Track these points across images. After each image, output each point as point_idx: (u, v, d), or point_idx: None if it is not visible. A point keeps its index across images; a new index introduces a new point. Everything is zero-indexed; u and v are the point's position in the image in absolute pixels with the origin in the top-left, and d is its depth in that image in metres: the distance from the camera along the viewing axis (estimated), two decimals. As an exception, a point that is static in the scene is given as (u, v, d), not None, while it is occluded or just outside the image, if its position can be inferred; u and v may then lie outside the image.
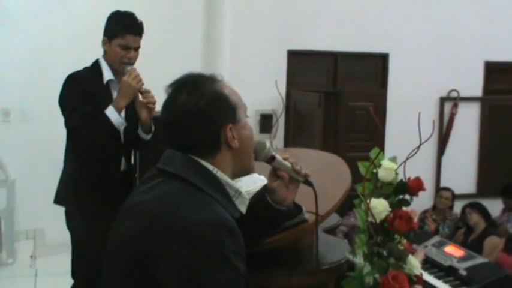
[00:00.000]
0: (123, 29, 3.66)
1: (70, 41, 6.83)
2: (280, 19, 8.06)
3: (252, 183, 2.92)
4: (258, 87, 7.64)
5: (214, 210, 1.69)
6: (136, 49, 3.76)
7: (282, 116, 7.87)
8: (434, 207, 7.98)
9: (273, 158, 2.09)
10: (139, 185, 1.90)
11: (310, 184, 2.18)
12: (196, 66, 1.76)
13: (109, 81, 3.75)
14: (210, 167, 1.79)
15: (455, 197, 8.05)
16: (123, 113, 3.69)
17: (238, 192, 1.84)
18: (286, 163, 2.15)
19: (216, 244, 1.61)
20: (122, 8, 3.77)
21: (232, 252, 1.62)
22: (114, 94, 3.72)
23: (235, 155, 1.84)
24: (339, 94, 8.47)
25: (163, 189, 1.75)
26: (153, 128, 3.81)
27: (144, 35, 3.80)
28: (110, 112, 3.57)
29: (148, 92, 3.69)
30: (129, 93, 3.63)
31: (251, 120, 7.87)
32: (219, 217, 1.67)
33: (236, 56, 7.14)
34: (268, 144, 2.07)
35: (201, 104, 1.77)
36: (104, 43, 3.74)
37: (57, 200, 3.83)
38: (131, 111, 3.76)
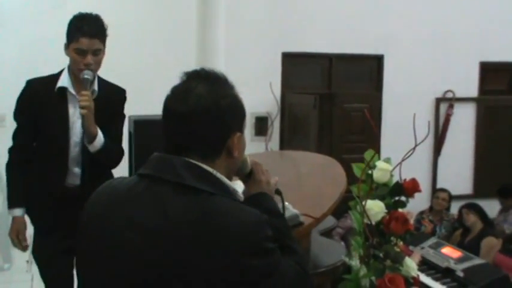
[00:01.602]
0: (77, 32, 3.33)
1: (63, 46, 6.81)
2: (275, 21, 8.05)
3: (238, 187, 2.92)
4: (252, 90, 7.60)
5: (246, 210, 1.64)
6: (96, 53, 3.37)
7: (277, 118, 7.86)
8: (430, 208, 7.97)
9: (251, 172, 1.99)
10: (121, 196, 1.69)
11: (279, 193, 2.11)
12: (190, 69, 1.73)
13: (62, 88, 3.45)
14: (209, 169, 1.67)
15: (451, 198, 8.04)
16: (80, 129, 3.43)
17: (235, 192, 1.78)
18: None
19: (265, 239, 1.60)
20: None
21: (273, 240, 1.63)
22: (70, 104, 3.47)
23: (229, 164, 1.76)
24: (334, 96, 8.46)
25: (178, 202, 1.58)
26: (100, 138, 3.42)
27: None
28: (12, 210, 3.56)
29: (81, 94, 3.31)
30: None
31: (247, 123, 7.86)
32: (254, 214, 1.63)
33: (230, 58, 7.12)
34: (247, 157, 1.98)
35: (222, 103, 1.68)
36: (64, 48, 3.45)
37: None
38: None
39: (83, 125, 3.33)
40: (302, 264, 1.76)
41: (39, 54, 6.88)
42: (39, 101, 3.45)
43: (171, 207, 1.57)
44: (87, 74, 3.34)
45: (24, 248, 3.59)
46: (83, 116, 3.29)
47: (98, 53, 3.38)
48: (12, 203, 3.55)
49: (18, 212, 3.54)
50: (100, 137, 3.39)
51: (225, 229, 1.53)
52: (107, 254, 1.63)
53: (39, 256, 3.66)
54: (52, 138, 3.49)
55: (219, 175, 1.69)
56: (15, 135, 3.57)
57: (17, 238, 3.55)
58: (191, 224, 1.53)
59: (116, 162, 3.63)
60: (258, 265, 1.56)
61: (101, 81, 3.56)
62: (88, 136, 3.37)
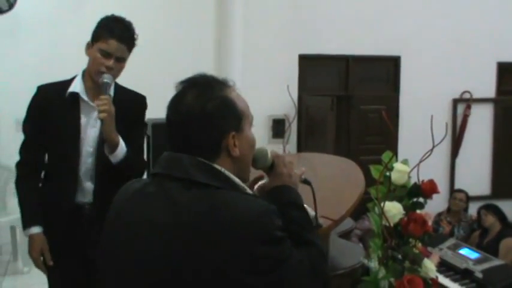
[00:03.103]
0: (107, 32, 3.09)
1: (82, 50, 6.84)
2: (291, 24, 8.05)
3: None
4: (269, 93, 7.65)
5: (254, 200, 1.69)
6: (120, 60, 3.13)
7: (295, 120, 7.87)
8: (448, 210, 7.94)
9: (272, 166, 2.00)
10: (135, 197, 1.77)
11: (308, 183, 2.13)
12: (207, 72, 1.74)
13: (73, 94, 3.18)
14: (217, 167, 1.73)
15: (469, 198, 8.01)
16: (94, 137, 3.20)
17: (245, 189, 1.80)
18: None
19: (273, 228, 1.62)
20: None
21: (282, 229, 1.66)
22: (83, 111, 3.19)
23: (234, 163, 1.79)
24: (351, 98, 8.45)
25: (186, 196, 1.65)
26: (122, 147, 3.14)
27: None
28: (28, 230, 3.23)
29: (100, 98, 3.04)
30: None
31: (264, 126, 7.90)
32: (262, 204, 1.66)
33: (247, 61, 7.15)
34: (268, 151, 2.00)
35: (207, 107, 1.73)
36: (87, 47, 3.19)
37: None
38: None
39: (103, 132, 3.05)
40: (318, 259, 1.77)
41: (57, 59, 6.93)
42: (48, 108, 3.18)
43: (180, 202, 1.64)
44: (106, 78, 3.08)
45: (46, 271, 3.29)
46: (102, 121, 3.00)
47: (122, 60, 3.15)
48: (27, 222, 3.22)
49: (35, 229, 3.20)
50: (122, 146, 3.11)
51: (233, 219, 1.58)
52: (124, 251, 1.71)
53: (53, 282, 3.40)
54: (61, 149, 3.19)
55: (227, 173, 1.74)
56: (22, 149, 3.29)
57: (39, 257, 3.23)
58: (199, 216, 1.60)
59: (140, 174, 3.32)
60: (267, 253, 1.58)
61: (119, 88, 3.28)
62: (109, 145, 3.07)
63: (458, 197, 7.87)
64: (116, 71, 3.13)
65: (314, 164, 4.10)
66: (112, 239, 1.78)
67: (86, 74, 3.22)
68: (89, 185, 3.21)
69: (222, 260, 1.54)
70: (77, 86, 3.19)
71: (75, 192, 3.19)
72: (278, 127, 7.90)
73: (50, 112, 3.18)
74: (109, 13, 3.23)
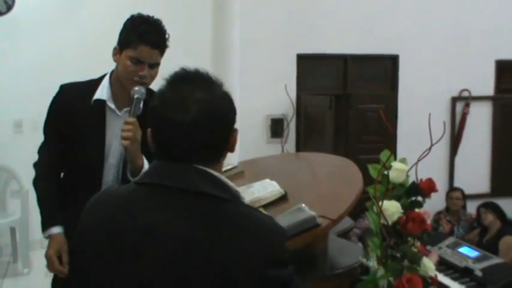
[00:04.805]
0: (137, 37, 2.82)
1: (82, 51, 6.87)
2: (289, 23, 8.05)
3: (263, 189, 2.93)
4: (268, 92, 7.65)
5: (266, 217, 1.64)
6: (154, 67, 2.89)
7: (293, 120, 7.85)
8: (447, 209, 7.94)
9: None
10: (123, 206, 1.61)
11: None
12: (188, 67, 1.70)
13: (100, 101, 2.97)
14: (216, 174, 1.61)
15: (466, 196, 8.00)
16: (118, 150, 3.00)
17: (238, 194, 1.68)
18: None
19: (285, 249, 1.58)
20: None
21: None
22: (109, 120, 2.99)
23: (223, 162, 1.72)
24: (350, 97, 8.44)
25: (198, 209, 1.54)
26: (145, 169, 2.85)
27: None
28: (50, 230, 2.99)
29: (126, 122, 2.79)
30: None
31: (262, 125, 7.91)
32: (274, 223, 1.62)
33: (245, 61, 7.13)
34: None
35: (222, 104, 1.62)
36: (114, 53, 2.93)
37: None
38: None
39: (127, 156, 2.85)
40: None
41: (55, 61, 6.94)
42: (72, 112, 2.95)
43: (191, 215, 1.53)
44: (138, 93, 2.82)
45: (63, 272, 2.97)
46: (125, 148, 2.80)
47: (156, 66, 2.91)
48: (47, 222, 3.01)
49: (55, 229, 2.98)
50: (145, 168, 2.83)
51: (248, 237, 1.51)
52: (125, 263, 1.54)
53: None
54: (84, 159, 2.97)
55: (223, 178, 1.63)
56: (41, 150, 3.12)
57: (56, 257, 2.96)
58: (212, 232, 1.50)
59: None
60: (279, 275, 1.52)
61: (150, 92, 2.85)
62: (133, 168, 2.87)
63: (454, 196, 7.86)
64: (149, 79, 2.88)
65: (313, 164, 4.10)
66: (99, 249, 1.60)
67: (113, 79, 2.99)
68: None
69: (233, 276, 1.46)
70: (103, 92, 2.96)
71: None
72: (276, 127, 7.89)
73: (74, 117, 2.95)
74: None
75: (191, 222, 1.51)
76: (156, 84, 3.00)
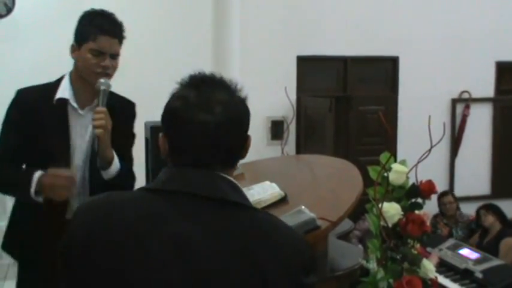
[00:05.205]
0: (96, 29, 2.79)
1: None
2: (289, 25, 8.06)
3: (263, 191, 2.93)
4: (268, 94, 7.64)
5: (291, 228, 1.63)
6: (114, 57, 2.85)
7: (293, 122, 7.85)
8: (443, 213, 7.84)
9: None
10: (150, 215, 1.48)
11: None
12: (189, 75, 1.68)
13: (61, 100, 2.87)
14: (233, 180, 1.56)
15: (456, 197, 7.94)
16: (84, 150, 2.91)
17: (248, 199, 1.63)
18: None
19: (312, 257, 1.58)
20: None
21: None
22: (72, 120, 2.88)
23: None
24: (350, 99, 8.45)
25: (227, 218, 1.48)
26: (116, 163, 2.87)
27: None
28: (34, 180, 2.70)
29: (97, 111, 2.75)
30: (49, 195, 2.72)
31: (263, 127, 7.91)
32: (298, 233, 1.63)
33: (245, 63, 7.14)
34: None
35: (241, 107, 1.59)
36: (72, 50, 2.90)
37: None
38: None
39: (98, 149, 2.77)
40: None
41: (55, 63, 6.88)
42: (33, 115, 2.83)
43: (223, 225, 1.46)
44: (104, 85, 2.78)
45: (75, 176, 2.76)
46: (97, 138, 2.73)
47: (117, 57, 2.87)
48: (26, 180, 2.73)
49: (37, 174, 2.73)
50: (116, 162, 2.85)
51: (282, 246, 1.48)
52: (149, 272, 1.42)
53: None
54: (49, 162, 2.75)
55: (238, 184, 1.57)
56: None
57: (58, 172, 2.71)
58: (249, 242, 1.45)
59: (130, 189, 2.82)
60: (308, 283, 1.50)
61: (110, 95, 2.89)
62: (103, 161, 2.81)
63: (446, 201, 7.71)
64: (112, 70, 2.84)
65: (312, 166, 4.10)
66: (116, 254, 1.44)
67: (74, 78, 2.92)
68: (76, 203, 2.83)
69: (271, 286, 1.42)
70: (65, 91, 2.88)
71: (66, 208, 2.86)
72: (277, 129, 7.89)
73: (35, 120, 2.83)
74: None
75: (224, 232, 1.45)
76: (121, 77, 3.00)
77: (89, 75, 2.82)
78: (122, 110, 2.97)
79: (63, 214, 2.83)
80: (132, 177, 3.09)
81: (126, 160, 3.01)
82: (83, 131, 2.86)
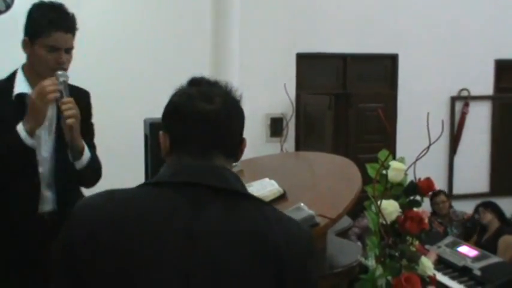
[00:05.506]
0: (49, 24, 2.70)
1: (80, 50, 6.85)
2: (289, 22, 8.05)
3: (262, 188, 2.93)
4: (267, 91, 7.65)
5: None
6: (68, 51, 2.79)
7: (292, 119, 7.84)
8: (436, 212, 7.79)
9: None
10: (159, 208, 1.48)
11: None
12: (204, 71, 1.69)
13: (21, 95, 2.80)
14: (236, 174, 1.63)
15: (448, 195, 7.90)
16: (50, 142, 2.88)
17: None
18: None
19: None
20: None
21: None
22: None
23: None
24: (349, 96, 8.46)
25: (239, 209, 1.51)
26: (87, 152, 2.84)
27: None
28: (20, 130, 2.66)
29: (64, 102, 2.67)
30: (34, 112, 2.65)
31: (262, 124, 7.92)
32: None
33: (245, 60, 7.13)
34: None
35: (239, 104, 1.65)
36: (24, 46, 2.82)
37: None
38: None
39: (70, 139, 2.73)
40: None
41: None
42: None
43: (232, 213, 1.49)
44: (63, 76, 2.70)
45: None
46: (70, 128, 2.68)
47: (71, 51, 2.81)
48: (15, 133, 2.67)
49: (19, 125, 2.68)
50: (87, 151, 2.83)
51: (291, 234, 1.53)
52: (166, 265, 1.42)
53: None
54: (15, 157, 2.72)
55: (240, 176, 1.62)
56: None
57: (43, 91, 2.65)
58: (255, 226, 1.49)
59: (97, 179, 3.00)
60: (314, 268, 1.59)
61: (71, 88, 2.80)
62: (75, 151, 2.77)
63: (439, 201, 7.64)
64: (67, 63, 2.78)
65: (312, 163, 4.11)
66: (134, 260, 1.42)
67: (28, 72, 2.86)
68: (49, 195, 2.87)
69: (277, 276, 1.46)
70: (22, 86, 2.82)
71: (38, 201, 2.83)
72: (276, 126, 7.89)
73: None
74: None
75: (234, 221, 1.48)
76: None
77: (45, 71, 2.75)
78: (80, 100, 2.85)
79: (35, 207, 2.82)
80: (99, 165, 3.02)
81: (92, 148, 2.96)
82: (46, 123, 2.79)
